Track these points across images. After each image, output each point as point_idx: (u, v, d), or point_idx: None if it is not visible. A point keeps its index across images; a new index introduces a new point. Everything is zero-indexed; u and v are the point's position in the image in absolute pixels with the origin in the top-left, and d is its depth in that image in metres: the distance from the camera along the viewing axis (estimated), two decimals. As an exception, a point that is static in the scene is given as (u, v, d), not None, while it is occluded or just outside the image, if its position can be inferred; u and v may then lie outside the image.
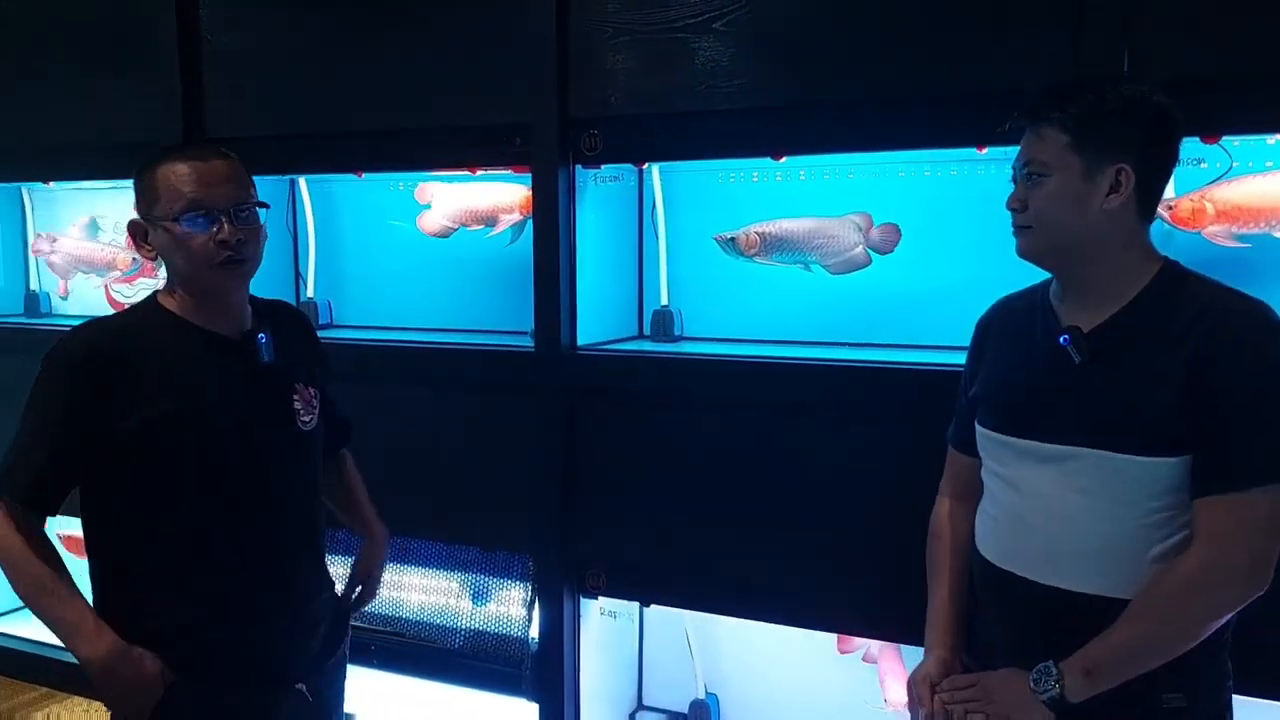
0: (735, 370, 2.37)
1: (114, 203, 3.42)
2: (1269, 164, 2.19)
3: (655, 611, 2.69)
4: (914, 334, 2.48)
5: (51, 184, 3.34)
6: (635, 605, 2.74)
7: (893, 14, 2.12)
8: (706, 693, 2.77)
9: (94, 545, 1.80)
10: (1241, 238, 2.17)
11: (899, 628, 2.26)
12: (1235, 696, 1.62)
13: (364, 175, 2.90)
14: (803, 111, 2.24)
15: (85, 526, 1.80)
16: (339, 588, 2.08)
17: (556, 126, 2.41)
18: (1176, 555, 1.51)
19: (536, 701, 2.58)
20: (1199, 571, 1.47)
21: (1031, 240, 1.59)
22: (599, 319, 2.58)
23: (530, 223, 2.57)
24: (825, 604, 2.31)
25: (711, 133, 2.32)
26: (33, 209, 3.54)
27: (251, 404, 1.82)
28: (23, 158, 3.22)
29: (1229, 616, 1.52)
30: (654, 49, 2.31)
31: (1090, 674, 1.51)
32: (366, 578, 2.12)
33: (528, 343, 2.61)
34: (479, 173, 2.74)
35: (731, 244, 2.50)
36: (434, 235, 2.89)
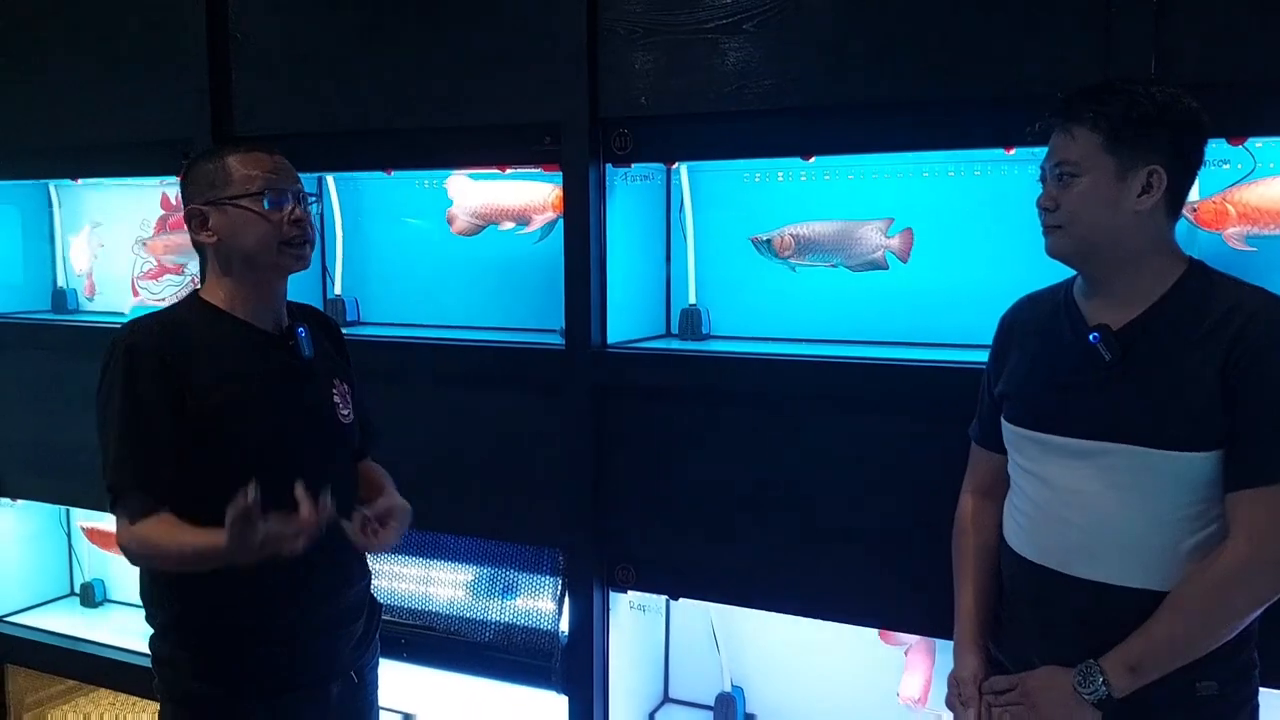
0: (763, 368, 2.40)
1: (138, 200, 3.45)
2: (1289, 165, 2.23)
3: (681, 605, 2.72)
4: (939, 332, 2.51)
5: (79, 181, 3.36)
6: (664, 599, 2.77)
7: (922, 16, 2.14)
8: (732, 686, 2.80)
9: None
10: (1262, 239, 2.20)
11: (925, 621, 2.30)
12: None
13: (392, 173, 2.93)
14: (832, 112, 2.26)
15: None
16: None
17: (587, 125, 2.44)
18: (1208, 548, 1.55)
19: (566, 694, 2.61)
20: (1238, 565, 1.51)
21: (1062, 240, 1.62)
22: (627, 318, 2.60)
23: (560, 221, 2.60)
24: (852, 597, 2.34)
25: (742, 132, 2.34)
26: (60, 206, 3.56)
27: (297, 396, 1.87)
28: (51, 155, 3.24)
29: (1267, 606, 1.55)
30: (684, 49, 2.33)
31: (1135, 670, 1.54)
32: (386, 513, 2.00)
33: (553, 340, 2.65)
34: (508, 171, 2.77)
35: (767, 245, 2.53)
36: (463, 234, 2.91)
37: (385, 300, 3.17)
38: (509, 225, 2.83)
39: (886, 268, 2.53)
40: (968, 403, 2.01)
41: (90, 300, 3.56)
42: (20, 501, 3.46)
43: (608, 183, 2.50)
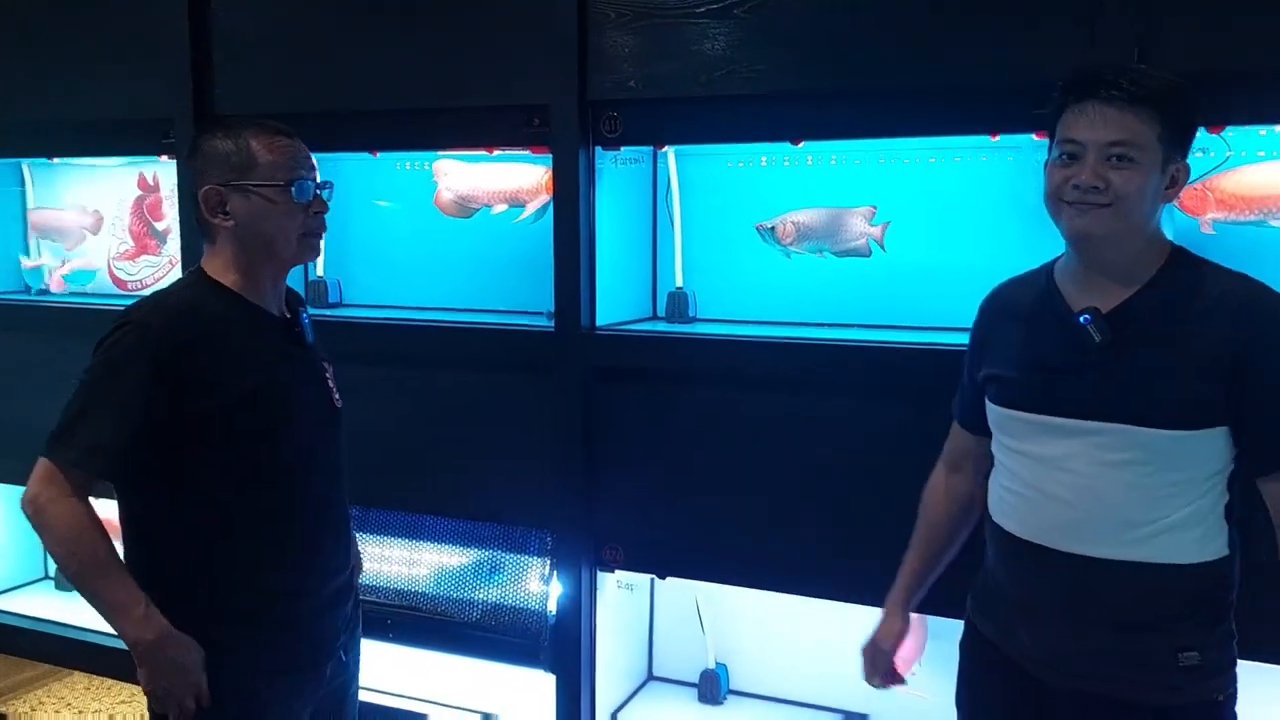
0: (751, 350, 2.43)
1: (120, 178, 3.42)
2: (1260, 154, 2.29)
3: (666, 583, 2.75)
4: (921, 315, 2.56)
5: (55, 159, 3.31)
6: (649, 578, 2.81)
7: (910, 4, 2.18)
8: (716, 663, 2.85)
9: (143, 530, 1.78)
10: (1235, 225, 2.27)
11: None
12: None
13: (378, 154, 2.92)
14: (821, 98, 2.29)
15: (133, 511, 1.78)
16: None
17: (576, 108, 2.45)
18: (1193, 522, 1.60)
19: (554, 673, 2.64)
20: None
21: (1105, 221, 1.56)
22: (615, 300, 2.62)
23: (550, 204, 2.61)
24: (836, 575, 2.39)
25: (732, 117, 2.37)
26: (33, 185, 3.51)
27: (305, 383, 1.87)
28: (27, 132, 3.19)
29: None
30: (674, 33, 2.35)
31: None
32: None
33: (539, 322, 2.66)
34: (496, 153, 2.77)
35: (771, 233, 2.57)
36: (454, 217, 2.91)
37: (369, 282, 3.16)
38: (502, 208, 2.83)
39: (869, 254, 2.57)
40: (950, 384, 2.06)
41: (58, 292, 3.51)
42: (-8, 484, 3.42)
43: (597, 165, 2.52)
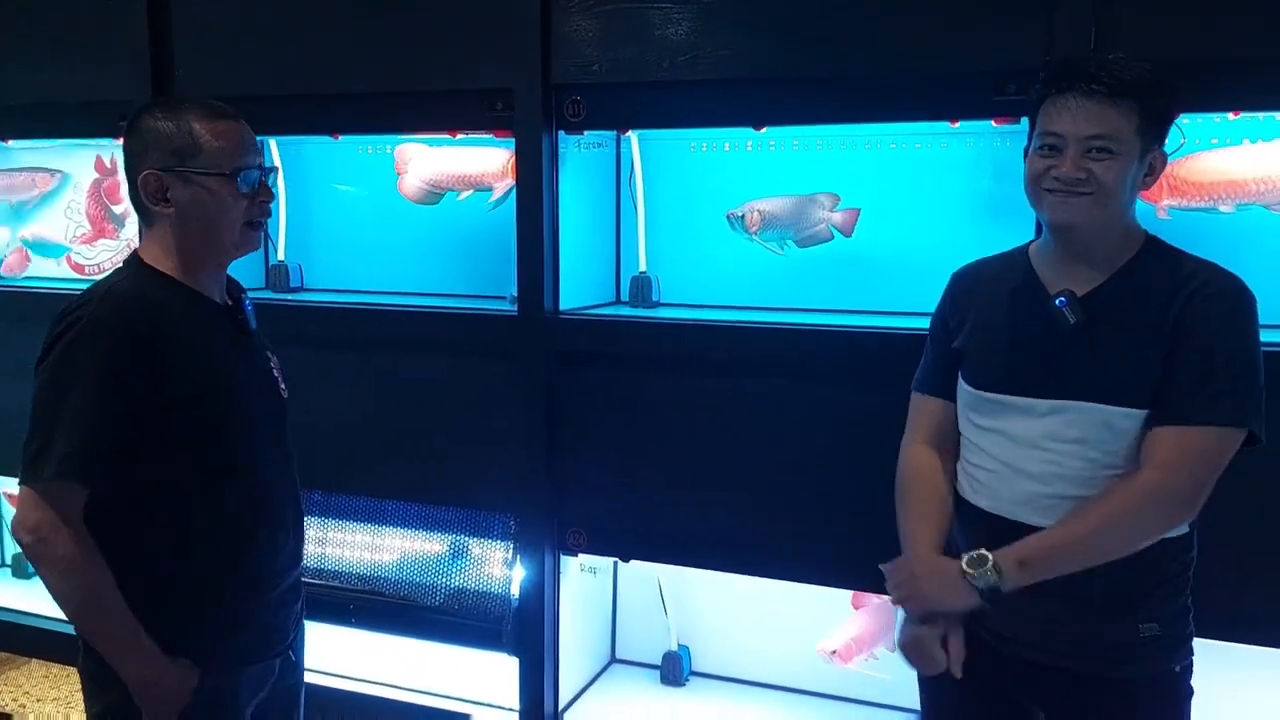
0: (713, 335, 2.44)
1: (78, 160, 3.37)
2: (1214, 141, 2.33)
3: (629, 567, 2.77)
4: (883, 300, 2.59)
5: (10, 142, 3.25)
6: (612, 561, 2.82)
7: (874, -8, 2.20)
8: (678, 645, 2.88)
9: (93, 529, 1.65)
10: (1185, 211, 2.31)
11: (864, 578, 2.37)
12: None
13: (340, 138, 2.90)
14: (784, 84, 2.30)
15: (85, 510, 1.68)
16: None
17: (539, 92, 2.44)
18: None
19: (517, 656, 2.65)
20: (1144, 489, 1.60)
21: (1086, 210, 1.61)
22: (579, 285, 2.62)
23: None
24: (796, 557, 2.42)
25: (695, 101, 2.37)
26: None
27: (253, 371, 1.81)
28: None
29: (1158, 538, 1.64)
30: (639, 17, 2.35)
31: (1025, 565, 1.62)
32: None
33: (503, 306, 2.66)
34: (459, 136, 2.76)
35: (740, 222, 2.58)
36: (419, 202, 2.90)
37: (330, 267, 3.14)
38: (468, 193, 2.82)
39: (830, 239, 2.59)
40: (910, 368, 2.08)
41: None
42: (-54, 472, 3.36)
43: (560, 150, 2.51)
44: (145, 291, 1.68)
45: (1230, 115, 2.23)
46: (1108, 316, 1.66)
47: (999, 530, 1.72)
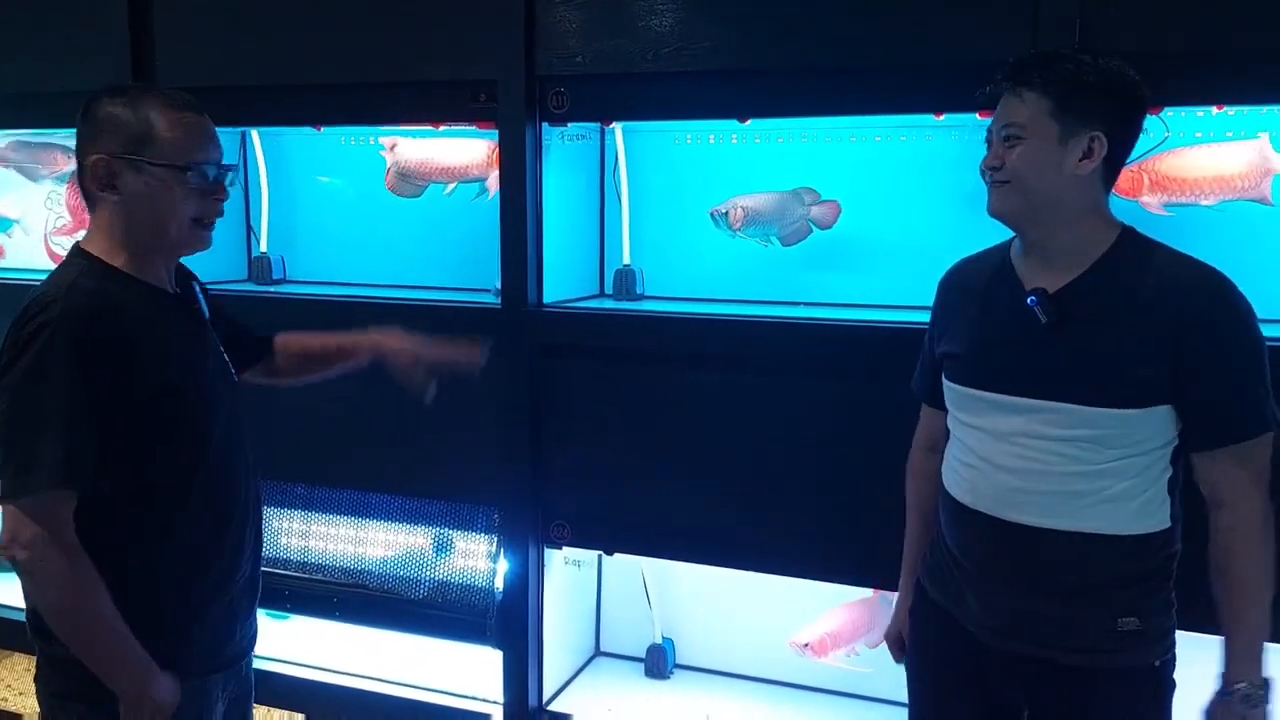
0: (697, 328, 2.44)
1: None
2: (1198, 135, 2.34)
3: (613, 559, 2.76)
4: (868, 293, 2.60)
5: (-11, 131, 3.23)
6: (596, 554, 2.82)
7: (859, -17, 2.19)
8: (663, 638, 2.88)
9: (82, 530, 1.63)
10: (1169, 207, 2.31)
11: (847, 571, 2.39)
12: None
13: (322, 129, 2.88)
14: (769, 76, 2.29)
15: None
16: None
17: (523, 83, 2.43)
18: (1132, 494, 1.64)
19: (501, 649, 2.64)
20: (1243, 528, 1.63)
21: (1005, 197, 1.68)
22: (562, 277, 2.61)
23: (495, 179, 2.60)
24: (780, 550, 2.42)
25: (680, 93, 2.36)
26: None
27: (206, 359, 1.78)
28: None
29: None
30: (623, 8, 2.34)
31: (1256, 659, 1.65)
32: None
33: (486, 299, 2.65)
34: (442, 128, 2.75)
35: (724, 219, 2.57)
36: (405, 196, 2.88)
37: (313, 259, 3.13)
38: (453, 185, 2.81)
39: (810, 233, 2.59)
40: (892, 362, 2.09)
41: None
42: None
43: (544, 142, 2.50)
44: (101, 288, 1.64)
45: (1214, 109, 2.24)
46: (1083, 314, 1.65)
47: (979, 526, 1.74)
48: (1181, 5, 1.99)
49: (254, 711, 2.00)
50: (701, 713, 2.68)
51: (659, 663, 2.86)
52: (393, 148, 2.86)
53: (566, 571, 2.78)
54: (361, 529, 2.78)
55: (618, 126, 2.68)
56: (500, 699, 2.66)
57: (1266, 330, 1.65)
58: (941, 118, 2.36)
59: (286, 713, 2.94)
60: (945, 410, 1.87)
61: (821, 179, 2.60)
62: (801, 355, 2.36)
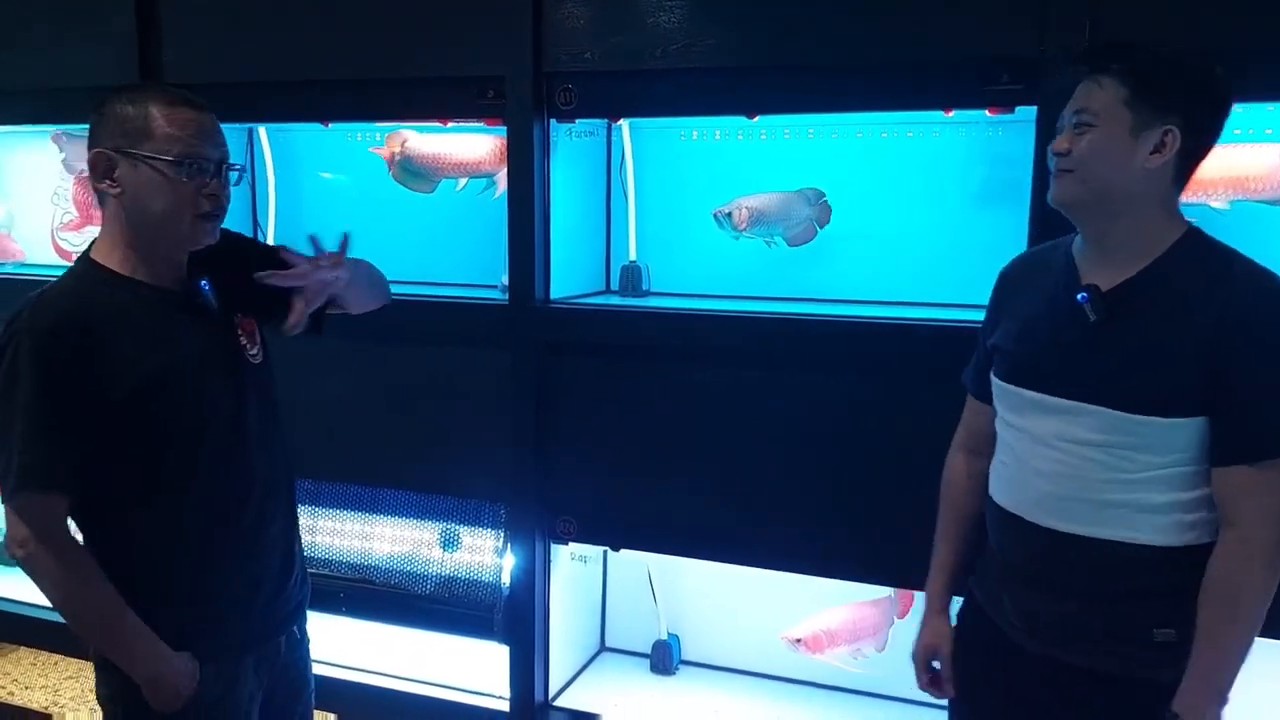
0: (704, 324, 2.44)
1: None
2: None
3: (619, 555, 2.77)
4: (874, 290, 2.59)
5: (-2, 127, 3.23)
6: (602, 550, 2.82)
7: (867, -20, 2.19)
8: (668, 634, 2.88)
9: (84, 526, 1.72)
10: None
11: (853, 568, 2.40)
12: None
13: (330, 125, 2.88)
14: (777, 72, 2.29)
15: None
16: None
17: (531, 80, 2.43)
18: (1170, 508, 1.58)
19: (507, 645, 2.65)
20: (1272, 546, 1.54)
21: (1070, 185, 1.59)
22: (569, 273, 2.62)
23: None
24: (786, 546, 2.42)
25: (687, 90, 2.36)
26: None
27: (208, 352, 1.77)
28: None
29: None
30: (631, 5, 2.34)
31: (1220, 692, 1.58)
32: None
33: (493, 295, 2.66)
34: (450, 124, 2.75)
35: (728, 220, 2.56)
36: (418, 191, 2.88)
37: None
38: (465, 181, 2.81)
39: (816, 234, 2.59)
40: (903, 359, 2.09)
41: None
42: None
43: (551, 138, 2.50)
44: (81, 291, 1.68)
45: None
46: (1132, 313, 1.58)
47: (1013, 529, 1.71)
48: (1192, 2, 1.98)
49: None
50: (707, 708, 2.69)
51: (664, 658, 2.86)
52: (403, 144, 2.86)
53: (572, 567, 2.78)
54: (368, 524, 2.79)
55: (625, 123, 2.68)
56: (507, 694, 2.67)
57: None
58: (950, 114, 2.36)
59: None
60: (991, 406, 1.80)
61: (828, 175, 2.60)
62: (808, 351, 2.36)
